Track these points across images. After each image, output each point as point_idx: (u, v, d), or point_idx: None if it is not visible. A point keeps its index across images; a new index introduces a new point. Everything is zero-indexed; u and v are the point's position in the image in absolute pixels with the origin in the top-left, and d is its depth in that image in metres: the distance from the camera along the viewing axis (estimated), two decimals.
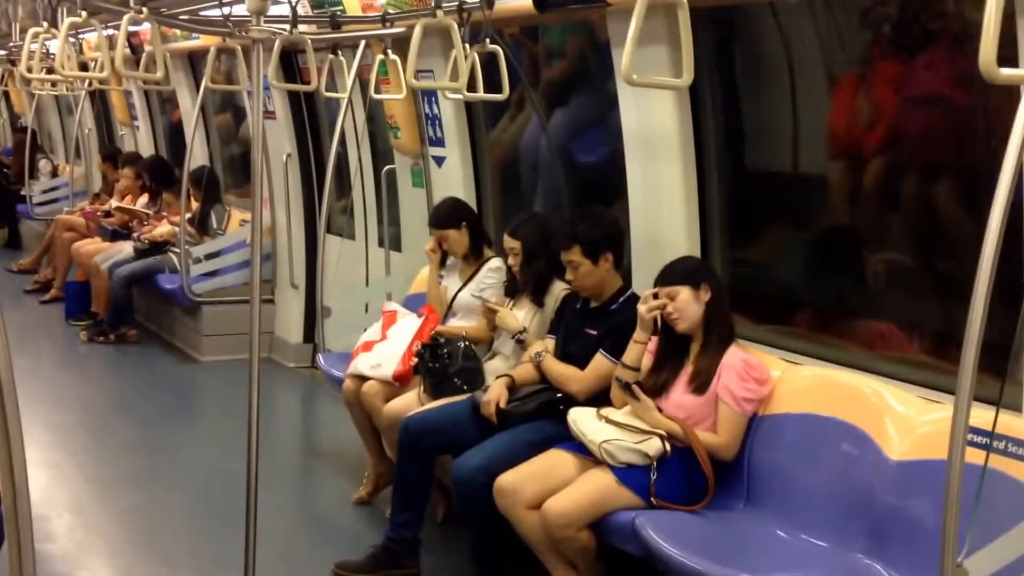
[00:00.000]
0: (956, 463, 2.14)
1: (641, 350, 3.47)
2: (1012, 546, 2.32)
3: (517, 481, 3.31)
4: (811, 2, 3.52)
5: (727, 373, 3.29)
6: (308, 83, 4.34)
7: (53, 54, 4.73)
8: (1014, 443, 2.61)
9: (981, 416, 2.42)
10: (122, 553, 4.06)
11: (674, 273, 3.41)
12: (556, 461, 3.38)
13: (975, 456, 2.38)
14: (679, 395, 3.36)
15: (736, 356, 3.33)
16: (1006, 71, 1.58)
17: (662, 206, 3.91)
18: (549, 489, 3.26)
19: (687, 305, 3.35)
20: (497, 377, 3.86)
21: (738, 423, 3.28)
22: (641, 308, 3.44)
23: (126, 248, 7.53)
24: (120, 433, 5.56)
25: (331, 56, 5.08)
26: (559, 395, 3.70)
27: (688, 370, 3.38)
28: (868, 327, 3.51)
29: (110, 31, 4.60)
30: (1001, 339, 2.71)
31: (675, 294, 3.36)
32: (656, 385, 3.39)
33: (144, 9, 2.76)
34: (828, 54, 3.67)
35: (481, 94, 3.59)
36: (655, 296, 3.41)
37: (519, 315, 4.11)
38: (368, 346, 4.51)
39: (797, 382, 3.33)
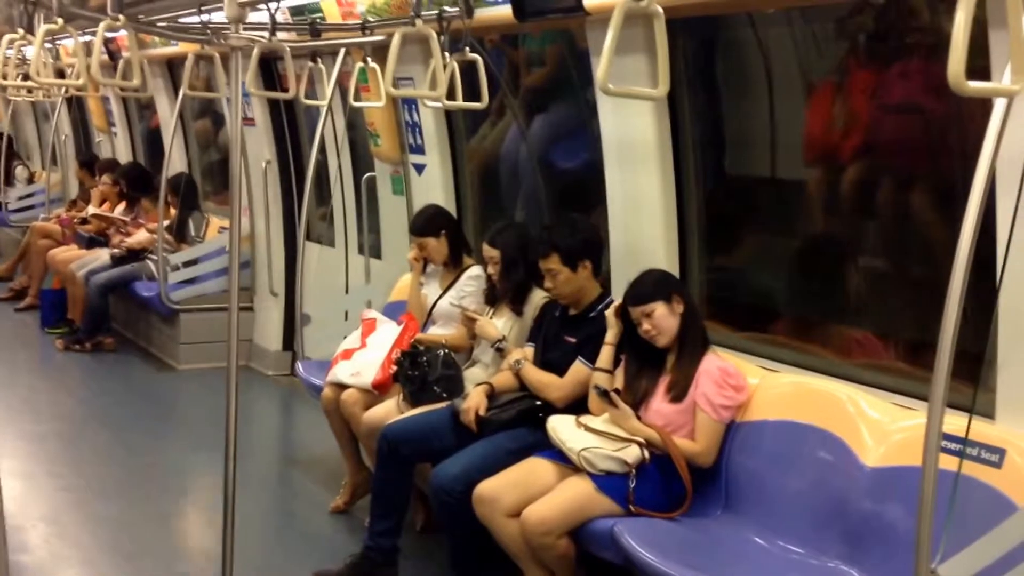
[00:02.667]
0: (930, 470, 2.16)
1: (611, 351, 3.52)
2: (986, 552, 2.34)
3: (496, 489, 3.31)
4: (788, 12, 3.55)
5: (704, 380, 3.31)
6: (287, 90, 4.33)
7: (30, 60, 4.70)
8: (987, 450, 2.64)
9: (955, 423, 2.44)
10: (97, 563, 4.02)
11: (644, 290, 3.41)
12: (535, 469, 3.38)
13: (949, 463, 2.40)
14: (657, 404, 3.37)
15: (713, 363, 3.35)
16: (974, 84, 1.60)
17: (641, 213, 3.93)
18: (528, 497, 3.26)
19: (664, 320, 3.37)
20: (476, 385, 3.86)
21: (716, 430, 3.29)
22: (609, 312, 3.54)
23: (102, 255, 7.48)
24: (96, 442, 5.53)
25: (311, 64, 5.07)
26: (538, 403, 3.71)
27: (665, 380, 3.39)
28: (845, 334, 3.53)
29: (88, 37, 4.58)
30: (976, 346, 2.74)
31: (651, 311, 3.36)
32: (635, 399, 3.41)
33: (121, 16, 2.74)
34: (805, 63, 3.70)
35: (460, 102, 3.59)
36: (624, 312, 3.43)
37: (498, 323, 4.11)
38: (347, 354, 4.49)
39: (775, 389, 3.35)
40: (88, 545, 4.18)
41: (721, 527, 3.21)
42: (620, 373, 3.52)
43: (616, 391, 3.40)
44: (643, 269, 3.56)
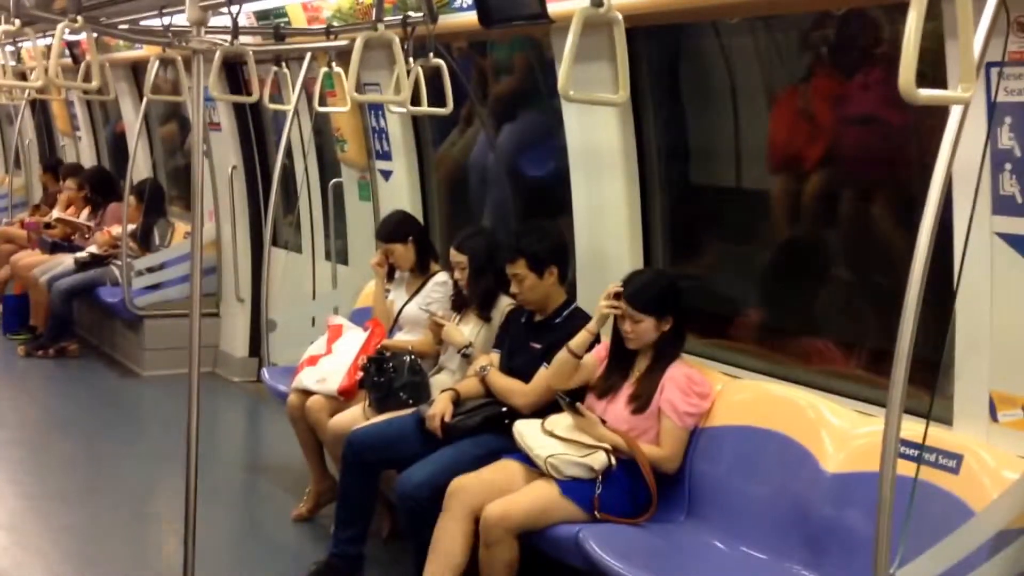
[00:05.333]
0: (888, 475, 2.18)
1: (588, 339, 3.48)
2: (943, 556, 2.36)
3: (471, 484, 3.29)
4: (751, 22, 3.58)
5: (670, 387, 3.32)
6: (251, 94, 4.31)
7: None
8: (944, 455, 2.67)
9: (913, 429, 2.47)
10: (59, 572, 3.97)
11: (645, 297, 3.36)
12: (509, 470, 3.37)
13: (907, 468, 2.43)
14: (620, 409, 3.38)
15: (679, 371, 3.36)
16: (925, 92, 1.62)
17: (606, 221, 3.94)
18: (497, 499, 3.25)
19: (646, 332, 3.37)
20: (442, 391, 3.85)
21: (680, 436, 3.30)
22: (602, 303, 3.42)
23: (66, 261, 7.40)
24: (59, 449, 5.47)
25: (276, 68, 5.05)
26: (504, 409, 3.71)
27: (630, 388, 3.39)
28: (806, 342, 3.56)
29: (49, 40, 4.53)
30: (934, 353, 2.77)
31: (639, 319, 3.36)
32: (604, 388, 3.42)
33: (79, 18, 2.71)
34: (768, 73, 3.73)
35: (425, 108, 3.59)
36: (617, 296, 3.39)
37: (465, 329, 4.11)
38: (313, 360, 4.47)
39: (737, 395, 3.37)
40: (50, 553, 4.13)
41: (684, 533, 3.22)
42: (589, 357, 3.51)
43: (580, 401, 3.40)
44: (609, 276, 3.57)
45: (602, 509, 3.19)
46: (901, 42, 3.06)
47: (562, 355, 3.49)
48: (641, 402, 3.34)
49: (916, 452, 2.50)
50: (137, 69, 7.85)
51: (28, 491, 4.82)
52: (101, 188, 7.88)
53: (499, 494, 3.26)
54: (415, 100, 3.49)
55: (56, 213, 8.24)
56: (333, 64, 4.41)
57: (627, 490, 3.26)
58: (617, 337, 3.46)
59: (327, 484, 4.42)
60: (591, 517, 3.18)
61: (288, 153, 5.65)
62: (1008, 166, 2.52)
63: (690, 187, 4.09)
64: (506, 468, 3.39)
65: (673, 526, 3.25)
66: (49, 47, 3.95)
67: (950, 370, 2.77)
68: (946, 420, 2.78)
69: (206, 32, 2.93)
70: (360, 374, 4.20)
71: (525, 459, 3.37)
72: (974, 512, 2.53)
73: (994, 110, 2.48)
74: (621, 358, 3.45)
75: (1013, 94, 2.46)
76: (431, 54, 3.48)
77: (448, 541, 3.25)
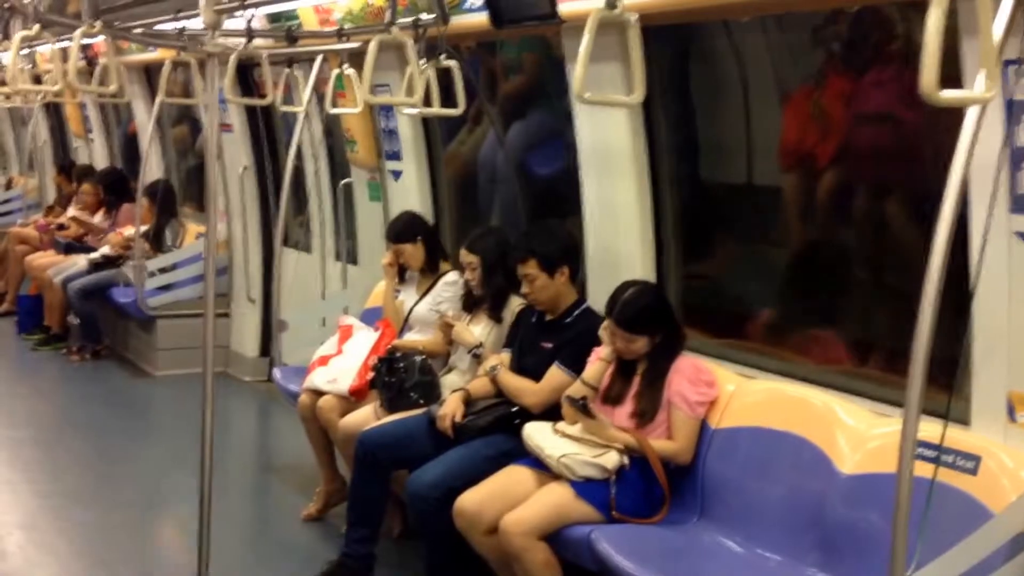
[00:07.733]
0: (905, 476, 2.17)
1: (604, 368, 3.48)
2: (960, 559, 2.35)
3: (478, 503, 3.26)
4: (763, 20, 3.56)
5: (678, 379, 3.32)
6: (264, 97, 4.33)
7: (6, 66, 4.66)
8: (962, 457, 2.65)
9: (930, 430, 2.45)
10: (73, 570, 3.99)
11: (634, 319, 3.36)
12: (516, 478, 3.35)
13: (924, 470, 2.42)
14: (625, 419, 3.37)
15: (684, 362, 3.37)
16: (946, 93, 1.61)
17: (617, 220, 3.93)
18: (510, 509, 3.23)
19: (640, 349, 3.39)
20: (453, 391, 3.85)
21: (692, 427, 3.31)
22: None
23: (79, 261, 7.43)
24: (73, 449, 5.49)
25: (287, 70, 5.06)
26: (515, 409, 3.70)
27: (633, 399, 3.38)
28: (820, 341, 3.55)
29: (65, 43, 4.55)
30: (951, 354, 2.75)
31: (632, 340, 3.37)
32: (608, 395, 3.42)
33: (97, 23, 2.73)
34: (780, 71, 3.71)
35: (437, 109, 3.59)
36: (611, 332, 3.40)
37: (476, 329, 4.11)
38: (324, 360, 4.48)
39: (750, 396, 3.35)
40: (64, 552, 4.15)
41: (697, 534, 3.21)
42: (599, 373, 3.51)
43: (585, 398, 3.40)
44: (620, 277, 3.56)
45: (618, 509, 3.17)
46: (915, 39, 3.06)
47: (570, 391, 3.47)
48: (646, 418, 3.34)
49: (933, 453, 2.48)
50: (150, 71, 7.87)
51: (42, 490, 4.84)
52: (115, 189, 7.90)
53: (507, 501, 3.24)
54: (426, 101, 3.50)
55: (71, 212, 8.27)
56: (345, 66, 4.42)
57: (642, 490, 3.25)
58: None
59: (337, 484, 4.42)
60: (607, 518, 3.17)
61: (299, 154, 5.67)
62: None
63: (701, 185, 4.08)
64: (513, 475, 3.37)
65: (686, 527, 3.24)
66: (64, 51, 3.97)
67: (967, 370, 2.75)
68: (963, 421, 2.76)
69: (220, 35, 2.94)
70: (371, 374, 4.20)
71: (534, 464, 3.36)
72: (992, 514, 2.51)
73: (1012, 108, 2.46)
74: (624, 365, 3.44)
75: None
76: (442, 55, 3.48)
77: (492, 552, 3.24)
